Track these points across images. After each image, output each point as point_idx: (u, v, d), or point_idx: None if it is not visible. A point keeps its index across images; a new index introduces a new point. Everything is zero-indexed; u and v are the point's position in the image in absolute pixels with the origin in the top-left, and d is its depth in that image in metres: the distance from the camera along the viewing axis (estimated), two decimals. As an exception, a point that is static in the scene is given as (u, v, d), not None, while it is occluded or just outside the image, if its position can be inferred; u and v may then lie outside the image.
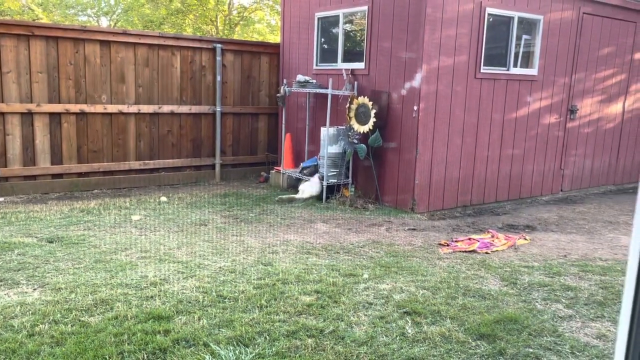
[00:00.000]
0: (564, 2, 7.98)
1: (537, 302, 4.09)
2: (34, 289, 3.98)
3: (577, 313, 3.91)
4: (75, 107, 7.70)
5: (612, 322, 3.79)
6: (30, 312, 3.56)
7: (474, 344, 3.35)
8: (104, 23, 25.30)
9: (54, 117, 7.60)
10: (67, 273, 4.32)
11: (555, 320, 3.77)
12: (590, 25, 8.40)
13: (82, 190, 7.90)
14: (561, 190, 8.77)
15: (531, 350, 3.30)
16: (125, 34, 8.12)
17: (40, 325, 3.36)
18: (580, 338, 3.50)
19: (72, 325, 3.38)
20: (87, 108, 7.80)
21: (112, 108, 8.00)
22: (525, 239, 5.96)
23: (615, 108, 9.18)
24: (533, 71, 7.89)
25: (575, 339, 3.49)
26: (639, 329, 0.79)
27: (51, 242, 5.21)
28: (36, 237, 5.35)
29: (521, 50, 7.74)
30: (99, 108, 7.89)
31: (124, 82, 8.11)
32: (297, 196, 7.63)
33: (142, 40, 8.16)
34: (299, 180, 8.24)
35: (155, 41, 8.29)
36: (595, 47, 8.58)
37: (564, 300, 4.13)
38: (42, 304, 3.68)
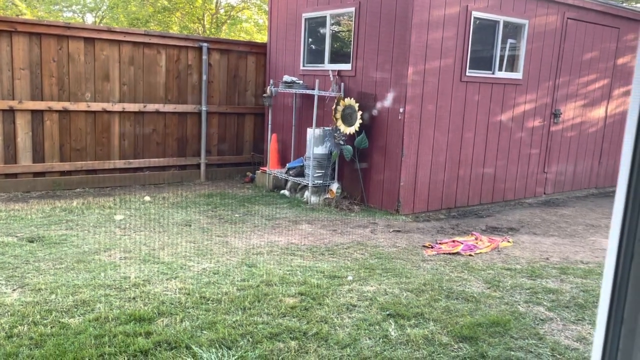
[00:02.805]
0: (549, 7, 8.06)
1: (519, 304, 4.12)
2: (13, 290, 3.92)
3: (558, 316, 3.95)
4: (58, 105, 7.60)
5: (593, 325, 3.83)
6: (9, 313, 3.50)
7: (456, 346, 3.37)
8: (89, 20, 25.02)
9: (37, 114, 7.49)
10: (48, 273, 4.26)
11: (536, 322, 3.80)
12: (574, 31, 8.50)
13: (64, 189, 7.80)
14: (544, 194, 8.86)
15: (513, 352, 3.33)
16: (110, 31, 8.04)
17: (19, 327, 3.31)
18: (561, 341, 3.54)
19: (51, 327, 3.33)
20: (70, 106, 7.70)
21: (95, 106, 7.91)
22: (509, 242, 6.01)
23: (598, 112, 9.31)
24: (518, 75, 7.96)
25: (556, 341, 3.52)
26: (615, 331, 0.80)
27: (32, 241, 5.13)
28: (16, 237, 5.27)
29: (506, 54, 7.81)
30: (82, 106, 7.80)
31: (108, 80, 8.02)
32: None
33: (127, 38, 8.08)
34: (285, 181, 8.23)
35: (141, 39, 8.21)
36: (579, 52, 8.68)
37: (545, 303, 4.17)
38: (22, 305, 3.62)
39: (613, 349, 0.83)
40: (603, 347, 0.81)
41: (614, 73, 9.31)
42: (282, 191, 8.18)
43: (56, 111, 7.62)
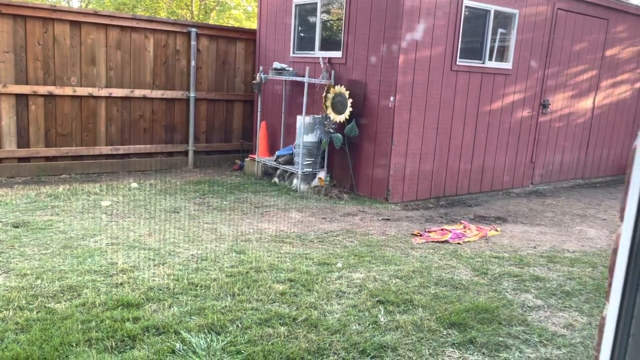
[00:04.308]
0: (540, -2, 8.07)
1: (507, 292, 4.15)
2: (-2, 275, 3.85)
3: (545, 303, 3.98)
4: (43, 89, 7.46)
5: (579, 312, 3.88)
6: (-6, 298, 3.45)
7: (445, 332, 3.38)
8: (75, 4, 24.59)
9: (21, 98, 7.36)
10: (33, 259, 4.20)
11: (524, 309, 3.83)
12: (564, 21, 8.52)
13: (49, 175, 7.69)
14: (532, 184, 8.92)
15: (501, 339, 3.35)
16: (96, 14, 7.90)
17: (4, 312, 3.26)
18: (548, 327, 3.57)
19: (37, 312, 3.29)
20: (55, 90, 7.56)
21: (82, 91, 7.79)
22: (496, 230, 6.04)
23: (586, 104, 9.36)
24: (507, 65, 7.97)
25: (544, 328, 3.55)
26: (628, 313, 0.79)
27: (17, 227, 5.05)
28: (1, 222, 5.19)
29: (497, 44, 7.81)
30: (68, 90, 7.67)
31: (95, 65, 7.89)
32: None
33: (114, 22, 7.95)
34: (275, 169, 8.19)
35: (128, 23, 8.08)
36: (569, 43, 8.71)
37: (533, 291, 4.21)
38: (7, 290, 3.57)
39: (626, 328, 0.82)
40: (616, 327, 0.80)
41: (602, 64, 9.36)
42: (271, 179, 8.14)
43: (41, 95, 7.49)
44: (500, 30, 7.81)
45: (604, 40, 9.24)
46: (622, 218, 0.80)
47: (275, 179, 8.07)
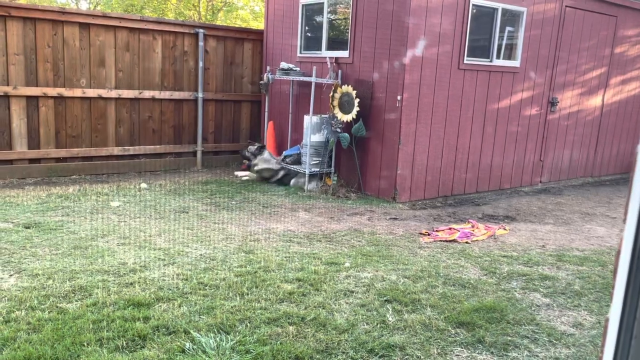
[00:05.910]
0: (547, -5, 8.03)
1: (515, 291, 4.14)
2: (10, 275, 3.90)
3: (554, 302, 3.97)
4: (53, 91, 7.53)
5: (589, 311, 3.86)
6: (6, 298, 3.49)
7: (453, 332, 3.39)
8: (84, 6, 24.76)
9: (32, 100, 7.43)
10: (45, 259, 4.25)
11: (533, 309, 3.83)
12: (572, 19, 8.48)
13: (60, 176, 7.76)
14: (540, 182, 8.88)
15: (509, 338, 3.35)
16: (105, 16, 7.95)
17: (17, 312, 3.31)
18: (557, 326, 3.57)
19: (49, 312, 3.33)
20: (65, 92, 7.63)
21: (91, 92, 7.85)
22: (505, 229, 6.03)
23: (595, 101, 9.31)
24: (515, 63, 7.94)
25: (553, 327, 3.55)
26: (630, 314, 0.80)
27: (28, 227, 5.11)
28: (12, 223, 5.25)
29: (504, 42, 7.78)
30: (77, 92, 7.73)
31: (104, 67, 7.95)
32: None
33: (123, 24, 8.00)
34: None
35: (136, 25, 8.13)
36: (577, 41, 8.66)
37: (541, 290, 4.20)
38: (19, 290, 3.61)
39: (629, 329, 0.83)
40: (619, 327, 0.81)
41: (611, 62, 9.30)
42: (278, 179, 8.16)
43: (51, 97, 7.56)
44: (508, 29, 7.78)
45: (612, 38, 9.17)
46: (625, 221, 0.81)
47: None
